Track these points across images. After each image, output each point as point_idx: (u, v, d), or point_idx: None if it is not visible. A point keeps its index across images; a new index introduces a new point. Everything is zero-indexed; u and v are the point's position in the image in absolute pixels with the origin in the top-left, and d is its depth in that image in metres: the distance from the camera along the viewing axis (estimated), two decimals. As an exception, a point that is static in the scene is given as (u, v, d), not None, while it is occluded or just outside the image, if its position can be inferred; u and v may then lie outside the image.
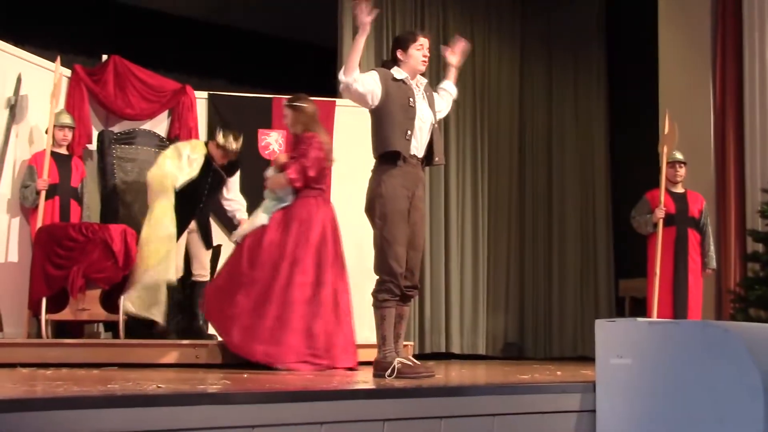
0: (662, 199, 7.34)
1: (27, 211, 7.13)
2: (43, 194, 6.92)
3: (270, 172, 6.42)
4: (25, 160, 7.20)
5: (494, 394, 3.96)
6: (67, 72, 7.71)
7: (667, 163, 7.47)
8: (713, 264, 7.58)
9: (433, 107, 5.33)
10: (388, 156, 5.11)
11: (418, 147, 5.17)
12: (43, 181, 6.93)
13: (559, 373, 5.53)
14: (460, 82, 9.75)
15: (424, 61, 5.29)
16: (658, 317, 7.08)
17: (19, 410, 2.99)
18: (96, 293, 6.66)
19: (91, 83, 7.83)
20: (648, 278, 7.43)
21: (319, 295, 6.19)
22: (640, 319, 4.09)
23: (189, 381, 4.37)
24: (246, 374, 5.15)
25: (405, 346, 7.60)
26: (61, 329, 6.85)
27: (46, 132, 7.18)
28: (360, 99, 5.10)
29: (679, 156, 7.57)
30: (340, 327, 6.27)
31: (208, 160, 7.01)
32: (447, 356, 9.39)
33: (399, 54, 5.26)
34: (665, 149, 7.46)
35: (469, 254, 9.84)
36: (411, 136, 5.12)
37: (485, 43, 10.22)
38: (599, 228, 10.45)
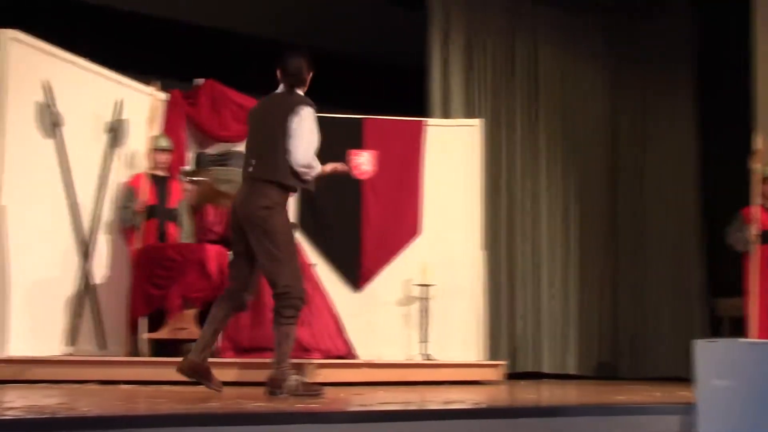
0: (756, 215, 7.21)
1: (126, 231, 7.32)
2: (142, 215, 7.10)
3: None
4: (124, 182, 7.40)
5: (591, 415, 3.93)
6: (165, 96, 7.92)
7: (762, 179, 7.34)
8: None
9: None
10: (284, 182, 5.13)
11: None
12: (142, 203, 7.11)
13: (658, 394, 5.46)
14: (550, 106, 9.79)
15: None
16: (757, 337, 6.93)
17: (125, 427, 3.07)
18: (192, 312, 6.80)
19: (187, 107, 8.04)
20: (744, 297, 7.29)
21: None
22: (740, 340, 4.02)
23: (287, 400, 4.44)
24: (342, 393, 5.20)
25: (497, 365, 7.66)
26: (160, 347, 7.00)
27: (145, 155, 7.37)
28: None
29: (772, 172, 7.44)
30: (319, 322, 6.83)
31: None
32: (537, 375, 9.31)
33: (306, 80, 5.31)
34: (758, 165, 7.34)
35: (559, 273, 9.75)
36: None
37: (575, 67, 10.13)
38: (692, 246, 10.25)
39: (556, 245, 9.77)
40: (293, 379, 4.94)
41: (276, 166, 5.07)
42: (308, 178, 5.13)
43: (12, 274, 6.21)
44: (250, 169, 5.13)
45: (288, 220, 5.22)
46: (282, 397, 4.80)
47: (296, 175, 5.09)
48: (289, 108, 5.10)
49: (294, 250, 5.20)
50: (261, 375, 6.09)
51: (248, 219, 5.05)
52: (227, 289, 5.24)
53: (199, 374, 5.09)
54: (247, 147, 5.29)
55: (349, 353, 7.10)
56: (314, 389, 4.97)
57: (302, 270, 5.32)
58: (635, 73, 10.29)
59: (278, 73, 5.26)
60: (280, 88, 5.28)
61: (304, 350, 6.59)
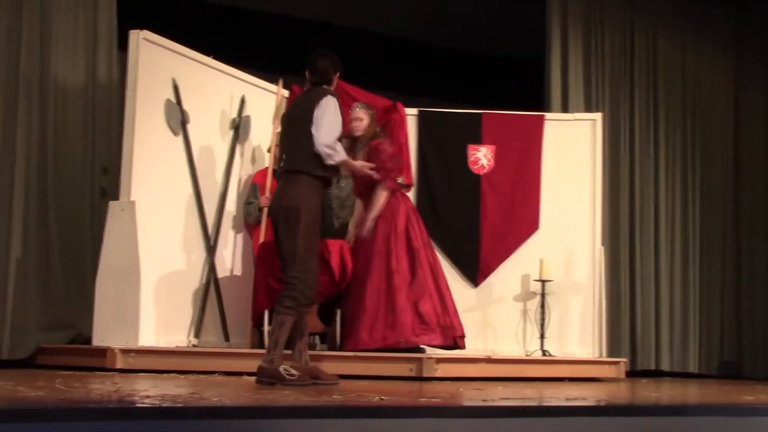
0: None
1: (250, 226, 7.49)
2: (265, 211, 7.24)
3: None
4: (248, 178, 7.57)
5: (718, 415, 3.85)
6: (287, 93, 8.06)
7: None
8: None
9: None
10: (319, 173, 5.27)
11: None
12: (266, 198, 7.25)
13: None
14: (670, 98, 9.59)
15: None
16: None
17: (253, 417, 3.15)
18: (313, 306, 6.90)
19: (307, 103, 8.14)
20: None
21: (417, 279, 6.80)
22: None
23: (408, 394, 4.49)
24: (461, 388, 5.22)
25: (617, 362, 7.58)
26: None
27: (268, 151, 7.53)
28: None
29: None
30: (445, 303, 6.88)
31: None
32: (657, 374, 9.16)
33: (334, 75, 5.53)
34: None
35: (680, 269, 9.55)
36: None
37: (697, 58, 9.90)
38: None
39: (677, 241, 9.57)
40: (282, 368, 5.01)
41: (303, 156, 5.27)
42: (332, 162, 5.27)
43: (142, 267, 6.42)
44: (282, 164, 5.39)
45: (316, 216, 5.30)
46: (269, 385, 4.88)
47: (323, 163, 5.24)
48: (314, 102, 5.32)
49: (313, 247, 5.27)
50: (383, 369, 6.23)
51: (276, 211, 5.31)
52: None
53: (312, 378, 5.18)
54: (279, 146, 5.64)
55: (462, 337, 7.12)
56: (303, 379, 5.02)
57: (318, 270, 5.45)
58: (762, 65, 9.99)
59: (307, 73, 5.50)
60: (307, 87, 5.54)
61: (424, 324, 6.73)
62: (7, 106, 6.78)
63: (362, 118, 7.01)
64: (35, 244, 6.85)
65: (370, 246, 6.83)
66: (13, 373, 5.60)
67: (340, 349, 6.77)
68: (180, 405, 3.21)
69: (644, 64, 9.64)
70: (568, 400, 4.43)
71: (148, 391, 4.01)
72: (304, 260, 5.20)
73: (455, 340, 6.96)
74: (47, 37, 7.06)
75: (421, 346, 6.76)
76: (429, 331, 6.74)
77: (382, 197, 6.87)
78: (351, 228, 7.26)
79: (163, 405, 3.12)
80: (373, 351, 6.54)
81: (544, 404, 3.94)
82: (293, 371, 5.04)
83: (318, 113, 5.26)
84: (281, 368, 5.02)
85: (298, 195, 5.23)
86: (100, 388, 4.17)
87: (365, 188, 6.98)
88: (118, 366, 6.04)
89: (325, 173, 5.32)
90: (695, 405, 4.14)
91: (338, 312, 6.93)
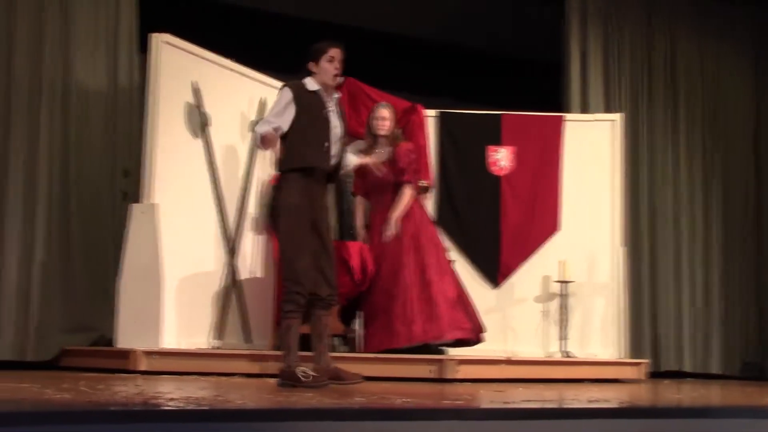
0: None
1: (270, 229, 7.50)
2: (285, 212, 7.26)
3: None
4: (268, 180, 7.59)
5: (742, 417, 3.84)
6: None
7: None
8: None
9: (344, 124, 5.38)
10: (298, 169, 5.16)
11: (331, 159, 5.26)
12: (285, 200, 7.27)
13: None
14: (690, 98, 9.55)
15: (335, 75, 5.27)
16: None
17: (277, 420, 3.17)
18: (334, 308, 6.92)
19: (327, 105, 8.17)
20: None
21: (448, 271, 7.07)
22: None
23: (431, 396, 4.50)
24: (482, 390, 5.23)
25: (639, 363, 7.56)
26: (304, 342, 7.14)
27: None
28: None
29: None
30: (468, 298, 7.10)
31: None
32: (679, 375, 9.12)
33: (311, 66, 5.30)
34: None
35: (701, 270, 9.51)
36: (328, 147, 5.21)
37: (717, 58, 9.85)
38: None
39: (698, 241, 9.54)
40: (300, 370, 5.01)
41: (281, 155, 5.30)
42: (260, 148, 5.36)
43: (164, 269, 6.45)
44: None
45: (300, 213, 5.15)
46: (289, 388, 4.89)
47: (297, 158, 5.17)
48: None
49: (301, 246, 5.15)
50: (404, 370, 6.24)
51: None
52: None
53: (333, 379, 5.18)
54: None
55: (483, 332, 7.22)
56: (320, 381, 5.02)
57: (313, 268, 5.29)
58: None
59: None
60: None
61: (458, 318, 6.88)
62: (30, 110, 6.83)
63: (386, 117, 7.06)
64: (58, 246, 6.90)
65: (397, 243, 6.87)
66: (37, 374, 5.65)
67: (364, 350, 6.79)
68: (205, 407, 3.23)
69: (663, 63, 9.61)
70: (590, 402, 4.43)
71: (172, 393, 4.04)
72: (291, 261, 5.15)
73: (479, 336, 7.05)
74: (69, 41, 7.10)
75: (452, 340, 6.89)
76: (462, 326, 6.86)
77: (407, 197, 6.96)
78: (360, 229, 7.29)
79: (189, 407, 3.15)
80: (397, 351, 6.56)
81: (567, 406, 3.93)
82: (311, 373, 5.06)
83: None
84: (298, 370, 5.04)
85: (278, 197, 5.25)
86: (124, 390, 4.19)
87: (374, 187, 7.02)
88: (141, 368, 6.07)
89: (300, 165, 5.17)
90: (718, 407, 4.12)
91: (359, 313, 6.95)
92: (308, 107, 5.23)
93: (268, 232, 7.55)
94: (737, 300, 9.70)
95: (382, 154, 7.00)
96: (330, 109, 5.31)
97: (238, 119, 7.46)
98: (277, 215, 5.27)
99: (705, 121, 9.72)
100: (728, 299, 9.64)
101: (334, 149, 5.30)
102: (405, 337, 6.66)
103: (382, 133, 7.01)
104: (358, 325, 7.02)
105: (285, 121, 5.20)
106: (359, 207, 7.37)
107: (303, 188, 5.17)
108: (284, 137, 5.23)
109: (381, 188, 7.03)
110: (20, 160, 6.74)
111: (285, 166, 5.25)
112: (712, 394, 5.80)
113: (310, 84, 5.30)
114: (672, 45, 9.66)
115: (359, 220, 7.34)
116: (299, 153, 5.19)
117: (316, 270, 5.21)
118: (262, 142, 5.18)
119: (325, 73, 5.27)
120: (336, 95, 5.42)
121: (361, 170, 7.02)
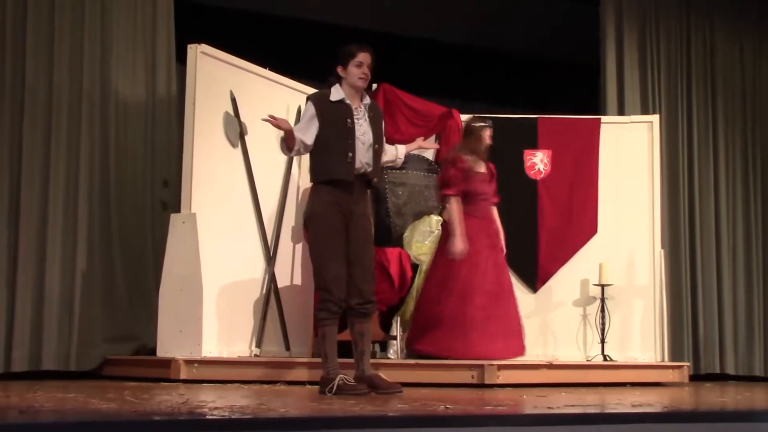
0: None
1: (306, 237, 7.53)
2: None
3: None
4: (306, 188, 7.61)
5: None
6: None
7: None
8: None
9: (377, 129, 5.31)
10: (324, 181, 5.21)
11: (359, 167, 5.19)
12: (324, 208, 7.29)
13: None
14: (728, 99, 9.44)
15: (363, 78, 5.23)
16: None
17: (320, 428, 3.18)
18: (374, 314, 6.92)
19: (363, 112, 8.18)
20: None
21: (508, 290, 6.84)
22: None
23: (473, 402, 4.49)
24: (525, 395, 5.21)
25: (680, 366, 7.48)
26: (343, 349, 7.15)
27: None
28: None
29: None
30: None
31: None
32: (721, 377, 9.03)
33: (339, 70, 5.27)
34: None
35: (743, 271, 9.40)
36: (353, 158, 5.14)
37: (756, 57, 9.75)
38: None
39: (739, 242, 9.42)
40: (339, 378, 5.02)
41: (310, 166, 5.47)
42: (284, 151, 5.36)
43: (204, 278, 6.50)
44: None
45: (328, 222, 5.16)
46: (329, 396, 4.90)
47: (323, 168, 5.23)
48: None
49: (330, 255, 5.15)
50: (444, 376, 6.23)
51: None
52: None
53: (370, 387, 5.17)
54: None
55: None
56: (359, 389, 5.01)
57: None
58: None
59: None
60: None
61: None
62: (70, 123, 6.91)
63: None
64: (99, 257, 6.97)
65: (475, 253, 6.70)
66: (81, 384, 5.71)
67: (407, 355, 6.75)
68: (250, 416, 3.25)
69: (701, 63, 9.51)
70: (634, 406, 4.39)
71: (215, 402, 4.06)
72: (319, 269, 5.21)
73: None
74: (107, 54, 7.17)
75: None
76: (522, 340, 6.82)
77: (455, 211, 6.72)
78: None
79: (234, 416, 3.16)
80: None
81: (612, 411, 3.91)
82: (349, 380, 5.07)
83: None
84: (338, 378, 5.05)
85: (306, 207, 5.35)
86: (168, 399, 4.22)
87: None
88: (182, 377, 6.11)
89: (325, 178, 5.22)
90: (763, 410, 4.08)
91: (396, 320, 6.94)
92: (332, 119, 5.23)
93: (306, 239, 7.58)
94: (780, 300, 9.58)
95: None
96: (357, 116, 5.28)
97: (274, 128, 7.47)
98: (306, 225, 5.38)
99: (745, 121, 9.61)
100: (771, 300, 9.52)
101: (364, 157, 5.25)
102: (482, 353, 6.45)
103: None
104: (398, 332, 7.01)
105: (309, 136, 5.25)
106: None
107: (330, 198, 5.20)
108: (312, 150, 5.31)
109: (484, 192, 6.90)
110: (60, 172, 6.81)
111: (313, 178, 5.40)
112: (756, 397, 5.73)
113: (335, 93, 5.29)
114: (710, 44, 9.55)
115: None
116: (324, 165, 5.25)
117: (346, 279, 5.20)
118: (283, 141, 5.34)
119: (352, 77, 5.27)
120: (366, 101, 5.39)
121: (465, 171, 6.87)
